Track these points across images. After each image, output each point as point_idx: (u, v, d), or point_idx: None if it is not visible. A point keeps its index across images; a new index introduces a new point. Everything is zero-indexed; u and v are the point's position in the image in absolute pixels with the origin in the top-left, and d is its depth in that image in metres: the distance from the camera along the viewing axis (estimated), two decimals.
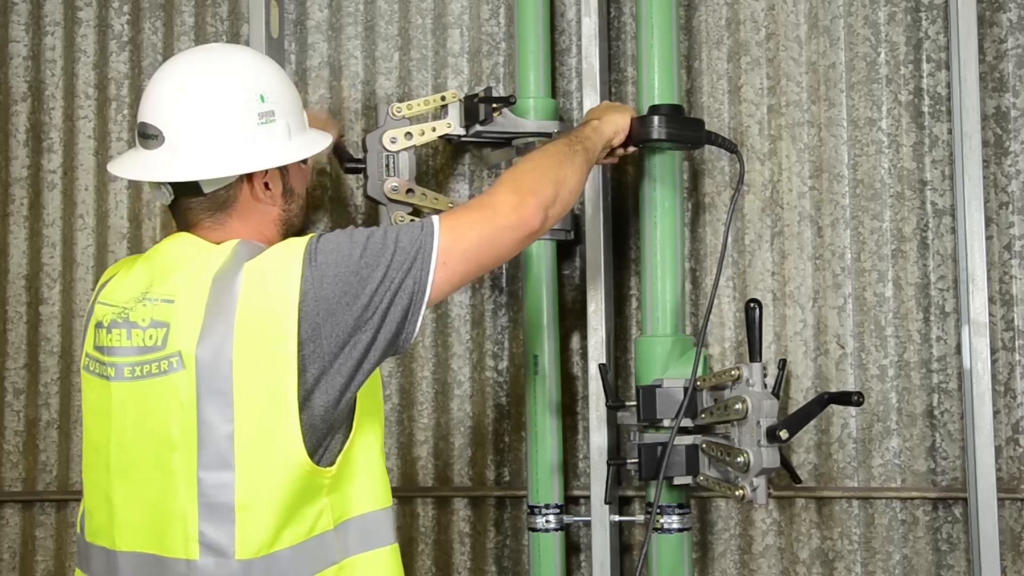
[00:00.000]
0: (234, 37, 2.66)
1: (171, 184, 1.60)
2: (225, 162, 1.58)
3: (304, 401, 1.48)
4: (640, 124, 2.06)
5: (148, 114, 1.61)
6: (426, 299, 1.54)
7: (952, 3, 2.29)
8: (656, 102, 2.28)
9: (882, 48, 2.46)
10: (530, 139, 2.35)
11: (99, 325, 1.60)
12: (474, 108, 2.30)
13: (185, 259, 1.57)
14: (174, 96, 1.60)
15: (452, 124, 2.33)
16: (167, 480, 1.50)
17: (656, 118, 2.07)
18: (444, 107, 2.35)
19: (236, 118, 1.59)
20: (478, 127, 2.31)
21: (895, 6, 2.46)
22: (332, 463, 1.53)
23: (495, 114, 2.28)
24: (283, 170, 1.65)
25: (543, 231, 1.67)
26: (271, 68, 1.69)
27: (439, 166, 2.59)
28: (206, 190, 1.59)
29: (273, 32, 2.49)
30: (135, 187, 2.68)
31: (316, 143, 1.71)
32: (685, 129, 2.11)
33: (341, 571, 1.55)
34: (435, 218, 1.56)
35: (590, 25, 2.33)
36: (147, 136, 1.61)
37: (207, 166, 1.58)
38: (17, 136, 2.73)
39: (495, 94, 2.34)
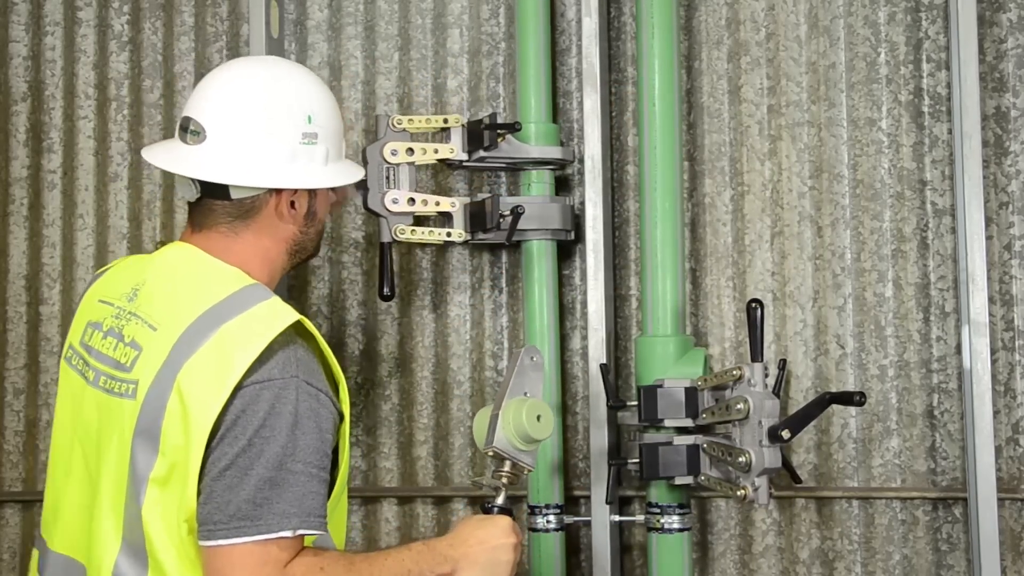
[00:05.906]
0: (234, 37, 2.66)
1: (201, 183, 1.58)
2: (262, 173, 1.57)
3: (201, 482, 1.41)
4: None
5: (195, 109, 1.60)
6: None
7: (952, 3, 2.29)
8: (656, 102, 2.28)
9: (882, 48, 2.46)
10: (532, 166, 2.37)
11: (95, 325, 1.58)
12: (478, 133, 2.29)
13: (184, 283, 1.54)
14: (225, 97, 1.59)
15: (455, 149, 2.32)
16: (103, 498, 1.48)
17: None
18: (446, 130, 2.34)
19: (281, 132, 1.58)
20: (482, 152, 2.30)
21: (895, 6, 2.46)
22: None
23: (499, 140, 2.28)
24: (311, 193, 1.64)
25: None
26: (324, 93, 1.67)
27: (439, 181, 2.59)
28: (234, 196, 1.57)
29: (273, 32, 2.49)
30: (135, 187, 2.68)
31: (350, 173, 1.69)
32: None
33: None
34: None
35: (590, 25, 2.33)
36: (189, 131, 1.59)
37: (244, 173, 1.56)
38: (17, 136, 2.73)
39: (499, 119, 2.32)
